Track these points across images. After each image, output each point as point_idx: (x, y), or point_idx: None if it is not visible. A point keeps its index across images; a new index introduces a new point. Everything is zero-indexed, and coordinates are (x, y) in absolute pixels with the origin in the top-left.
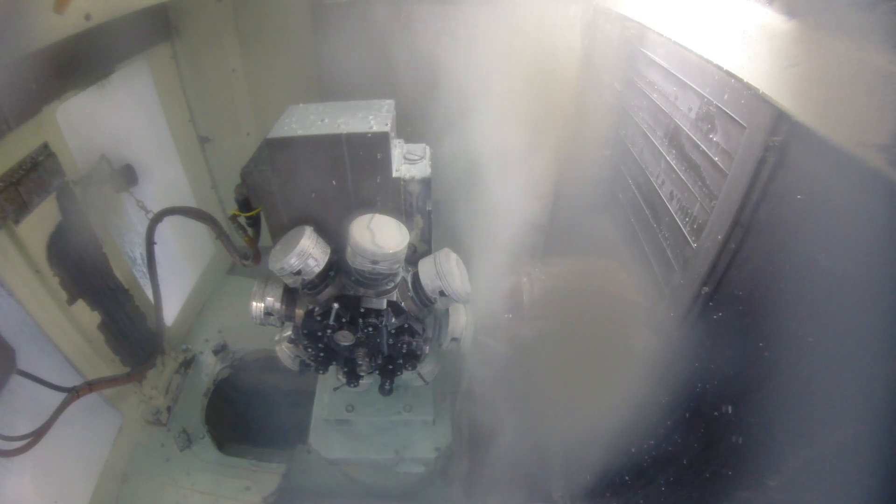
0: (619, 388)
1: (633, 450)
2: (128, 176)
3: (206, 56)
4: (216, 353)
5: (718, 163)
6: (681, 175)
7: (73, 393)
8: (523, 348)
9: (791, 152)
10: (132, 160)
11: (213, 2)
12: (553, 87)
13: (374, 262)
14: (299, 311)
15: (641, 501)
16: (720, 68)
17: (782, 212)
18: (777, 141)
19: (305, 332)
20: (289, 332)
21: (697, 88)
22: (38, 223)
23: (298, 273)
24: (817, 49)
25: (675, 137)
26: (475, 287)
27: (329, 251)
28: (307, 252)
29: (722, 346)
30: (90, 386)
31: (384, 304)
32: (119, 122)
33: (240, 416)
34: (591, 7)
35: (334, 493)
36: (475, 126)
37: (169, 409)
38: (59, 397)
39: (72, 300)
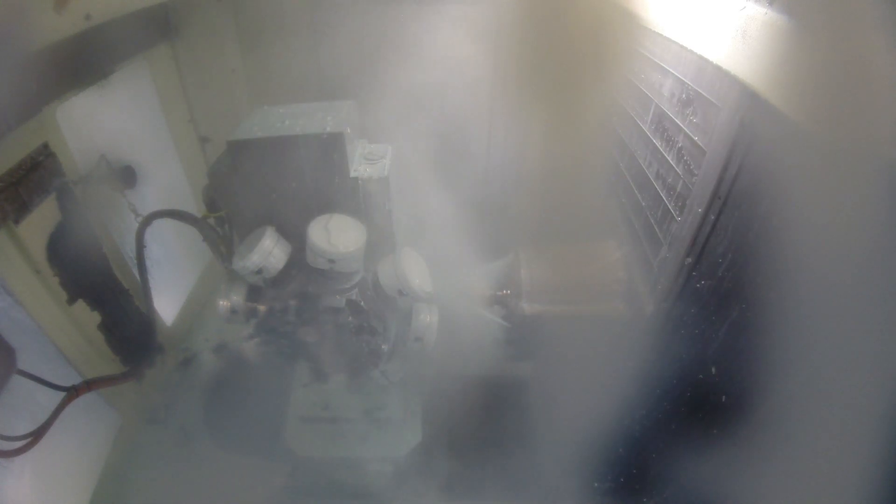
0: (614, 363)
1: (626, 421)
2: (126, 177)
3: (206, 56)
4: (216, 352)
5: (698, 142)
6: (665, 155)
7: (72, 392)
8: (526, 324)
9: (759, 129)
10: (132, 160)
11: (213, 2)
12: (554, 81)
13: (331, 261)
14: (262, 309)
15: (635, 471)
16: (700, 56)
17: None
18: (748, 118)
19: (268, 328)
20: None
21: (679, 75)
22: (38, 223)
23: (260, 272)
24: (797, 39)
25: (660, 121)
26: (470, 267)
27: (290, 250)
28: (268, 251)
29: (706, 312)
30: (88, 385)
31: (343, 303)
32: (119, 122)
33: (239, 415)
34: (596, 5)
35: (336, 493)
36: (474, 124)
37: (168, 407)
38: (58, 397)
39: (72, 300)
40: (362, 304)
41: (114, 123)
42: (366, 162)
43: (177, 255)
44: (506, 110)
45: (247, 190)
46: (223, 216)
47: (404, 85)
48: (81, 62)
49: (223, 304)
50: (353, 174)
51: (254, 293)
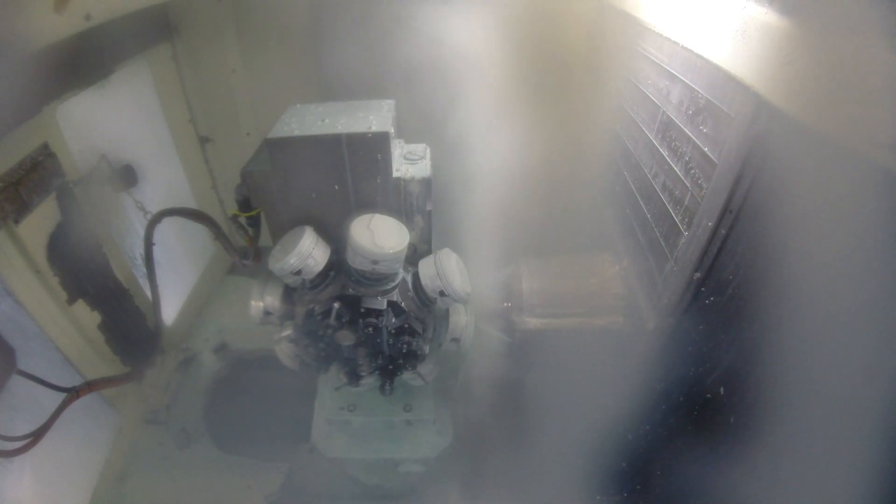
0: (615, 379)
1: (630, 437)
2: (127, 176)
3: (206, 56)
4: (216, 352)
5: (708, 153)
6: (673, 166)
7: (73, 393)
8: (527, 338)
9: (775, 140)
10: (132, 160)
11: (213, 2)
12: (556, 85)
13: (375, 263)
14: (299, 311)
15: (639, 487)
16: (710, 62)
17: (769, 199)
18: (763, 129)
19: (306, 331)
20: (288, 332)
21: (689, 82)
22: (38, 223)
23: (298, 273)
24: (813, 46)
25: (667, 130)
26: (473, 279)
27: (329, 251)
28: (307, 252)
29: (714, 330)
30: (90, 386)
31: (384, 304)
32: (119, 122)
33: (240, 415)
34: (598, 6)
35: (336, 493)
36: (475, 126)
37: (168, 408)
38: (58, 397)
39: (72, 300)
40: (402, 305)
41: (114, 123)
42: (406, 162)
43: (177, 255)
44: (507, 116)
45: (284, 189)
46: (255, 216)
47: (403, 86)
48: (81, 62)
49: (256, 304)
50: (394, 174)
51: (289, 295)
